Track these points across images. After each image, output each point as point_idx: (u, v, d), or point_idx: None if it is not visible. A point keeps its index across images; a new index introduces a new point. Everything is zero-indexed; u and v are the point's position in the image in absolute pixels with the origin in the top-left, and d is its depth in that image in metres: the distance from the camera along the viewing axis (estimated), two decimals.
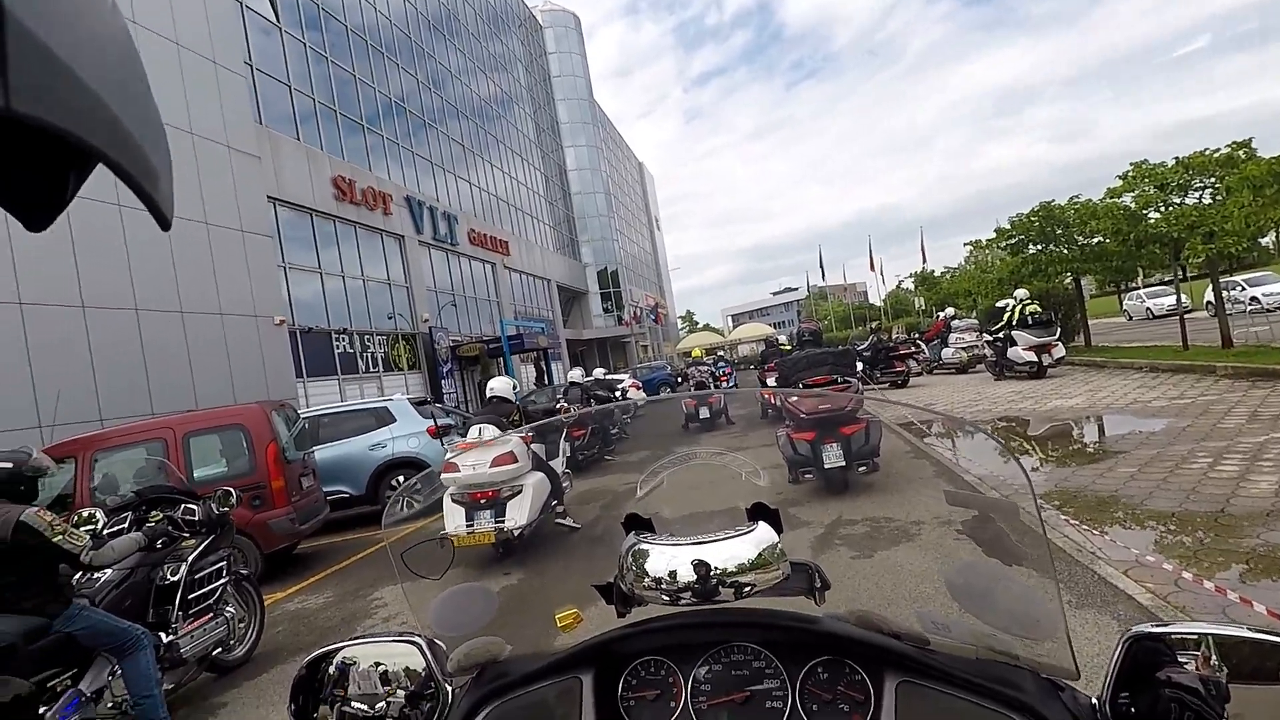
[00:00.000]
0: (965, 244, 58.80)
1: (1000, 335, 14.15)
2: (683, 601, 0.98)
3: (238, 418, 7.36)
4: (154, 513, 4.47)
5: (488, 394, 7.44)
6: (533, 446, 6.23)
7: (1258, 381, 9.16)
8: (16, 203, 0.36)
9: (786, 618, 1.06)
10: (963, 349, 17.64)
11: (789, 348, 16.28)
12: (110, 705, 3.63)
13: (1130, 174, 13.99)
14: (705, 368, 17.73)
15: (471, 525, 5.73)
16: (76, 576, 3.80)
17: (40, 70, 0.29)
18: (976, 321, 19.69)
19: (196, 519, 4.50)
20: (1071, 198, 16.39)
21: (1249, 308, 18.34)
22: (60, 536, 3.42)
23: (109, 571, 3.94)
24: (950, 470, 5.53)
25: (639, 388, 19.88)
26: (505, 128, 36.52)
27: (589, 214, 47.47)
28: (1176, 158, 13.16)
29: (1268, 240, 28.84)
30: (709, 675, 1.04)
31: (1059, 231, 16.43)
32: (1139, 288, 30.97)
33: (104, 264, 10.51)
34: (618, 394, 15.53)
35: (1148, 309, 26.44)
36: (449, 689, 1.07)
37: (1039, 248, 16.96)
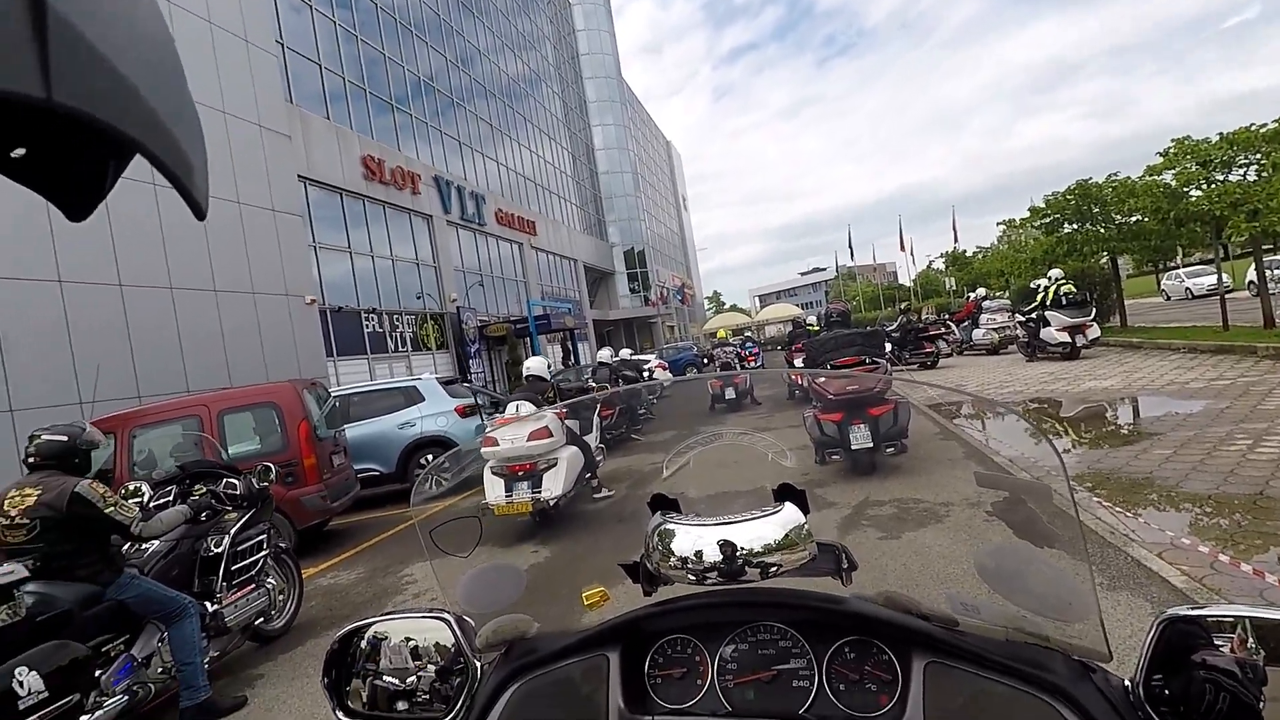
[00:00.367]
0: (999, 223, 57.47)
1: (1033, 315, 13.84)
2: (709, 581, 0.98)
3: (271, 396, 7.50)
4: (197, 486, 4.60)
5: (524, 373, 7.67)
6: (567, 422, 6.54)
7: None
8: (57, 192, 0.37)
9: (813, 598, 1.06)
10: (994, 329, 17.29)
11: (816, 329, 16.10)
12: (160, 670, 3.77)
13: (1172, 150, 13.55)
14: (731, 349, 17.63)
15: (510, 496, 6.04)
16: (125, 547, 3.94)
17: (80, 63, 0.30)
18: (1009, 302, 19.31)
19: (238, 493, 4.62)
20: (1109, 175, 15.98)
21: None
22: (112, 508, 3.56)
23: (156, 542, 4.07)
24: (980, 452, 5.46)
25: (665, 368, 19.81)
26: (533, 106, 36.39)
27: (616, 193, 47.16)
28: (1221, 133, 12.72)
29: None
30: (735, 654, 1.05)
31: (1095, 210, 15.99)
32: (1178, 267, 30.16)
33: (140, 244, 10.73)
34: (645, 375, 15.54)
35: (1187, 289, 25.75)
36: (478, 664, 1.09)
37: (1074, 227, 16.53)
